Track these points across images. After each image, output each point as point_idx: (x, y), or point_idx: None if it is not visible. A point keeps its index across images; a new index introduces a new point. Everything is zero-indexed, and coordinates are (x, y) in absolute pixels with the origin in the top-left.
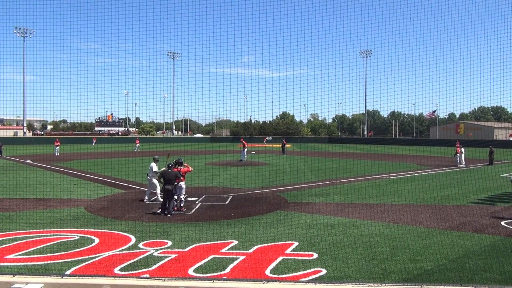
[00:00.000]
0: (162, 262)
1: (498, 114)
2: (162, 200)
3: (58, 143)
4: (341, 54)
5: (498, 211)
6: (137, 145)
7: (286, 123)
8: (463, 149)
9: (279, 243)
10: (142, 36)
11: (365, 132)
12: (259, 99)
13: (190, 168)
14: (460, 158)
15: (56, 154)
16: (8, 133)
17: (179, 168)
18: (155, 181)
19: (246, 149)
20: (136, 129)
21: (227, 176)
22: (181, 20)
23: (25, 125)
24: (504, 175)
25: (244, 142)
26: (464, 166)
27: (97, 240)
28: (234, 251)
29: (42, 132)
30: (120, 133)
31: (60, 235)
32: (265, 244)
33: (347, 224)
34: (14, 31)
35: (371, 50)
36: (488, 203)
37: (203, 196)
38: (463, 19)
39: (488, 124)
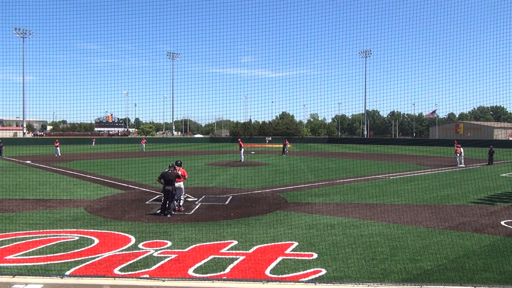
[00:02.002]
0: (162, 262)
1: (497, 114)
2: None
3: (58, 144)
4: (340, 54)
5: (497, 211)
6: (143, 145)
7: (286, 123)
8: (461, 150)
9: (279, 243)
10: (141, 37)
11: (365, 132)
12: (259, 99)
13: (186, 175)
14: (460, 158)
15: (57, 155)
16: (7, 134)
17: (179, 168)
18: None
19: (242, 150)
20: (136, 130)
21: (227, 176)
22: (180, 21)
23: (24, 125)
24: (503, 174)
25: (240, 142)
26: (464, 166)
27: (97, 241)
28: (234, 251)
29: (42, 133)
30: (119, 134)
31: (60, 235)
32: (265, 244)
33: (346, 224)
34: (14, 31)
35: (370, 50)
36: (487, 203)
37: (203, 196)
38: (462, 19)
39: (488, 124)
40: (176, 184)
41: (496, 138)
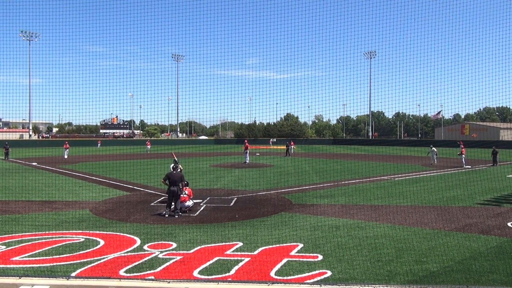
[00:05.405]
0: (167, 264)
1: (503, 114)
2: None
3: (67, 146)
4: (345, 56)
5: (504, 212)
6: (148, 147)
7: (291, 124)
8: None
9: (284, 244)
10: (146, 39)
11: (370, 134)
12: (264, 101)
13: (192, 195)
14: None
15: (65, 157)
16: (14, 136)
17: (186, 188)
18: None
19: (248, 151)
20: (141, 131)
21: (232, 178)
22: (185, 23)
23: (30, 128)
24: (510, 176)
25: (247, 144)
26: (464, 166)
27: (102, 242)
28: (239, 253)
29: (48, 135)
30: (125, 136)
31: (66, 237)
32: (270, 246)
33: (352, 226)
34: (20, 34)
35: (375, 51)
36: (494, 204)
37: (208, 198)
38: (468, 19)
39: (494, 124)
40: (186, 203)
41: (502, 139)
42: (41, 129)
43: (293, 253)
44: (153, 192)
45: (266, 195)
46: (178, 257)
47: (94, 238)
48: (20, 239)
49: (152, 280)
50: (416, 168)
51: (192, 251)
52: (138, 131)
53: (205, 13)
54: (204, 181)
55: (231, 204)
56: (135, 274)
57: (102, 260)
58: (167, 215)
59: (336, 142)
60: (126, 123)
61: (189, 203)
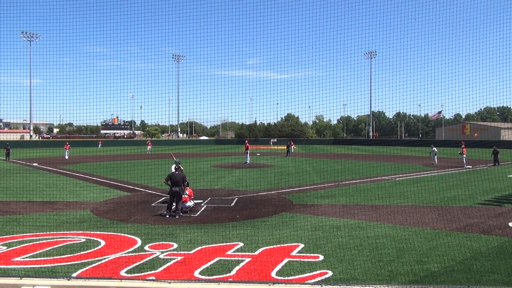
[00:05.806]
0: (168, 264)
1: (504, 114)
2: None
3: (68, 147)
4: (345, 56)
5: (505, 212)
6: (148, 147)
7: (291, 125)
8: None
9: (285, 245)
10: (147, 39)
11: (370, 134)
12: (264, 101)
13: (192, 195)
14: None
15: (66, 157)
16: (14, 137)
17: (187, 188)
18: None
19: (248, 151)
20: (142, 132)
21: (232, 178)
22: (186, 23)
23: (31, 128)
24: (511, 175)
25: (247, 144)
26: (465, 166)
27: (103, 243)
28: (239, 253)
29: (49, 136)
30: (125, 136)
31: (67, 237)
32: (271, 246)
33: (353, 226)
34: (21, 35)
35: (375, 51)
36: (495, 204)
37: (209, 198)
38: (469, 19)
39: (495, 124)
40: (187, 204)
41: (503, 138)
42: (42, 129)
43: (294, 253)
44: (154, 193)
45: (266, 195)
46: (179, 258)
47: (95, 238)
48: (21, 239)
49: (153, 280)
50: (417, 168)
51: (193, 251)
52: (139, 131)
53: (205, 13)
54: (204, 182)
55: (232, 204)
56: (136, 274)
57: (103, 261)
58: (167, 216)
59: (337, 142)
60: (126, 124)
61: (190, 203)
